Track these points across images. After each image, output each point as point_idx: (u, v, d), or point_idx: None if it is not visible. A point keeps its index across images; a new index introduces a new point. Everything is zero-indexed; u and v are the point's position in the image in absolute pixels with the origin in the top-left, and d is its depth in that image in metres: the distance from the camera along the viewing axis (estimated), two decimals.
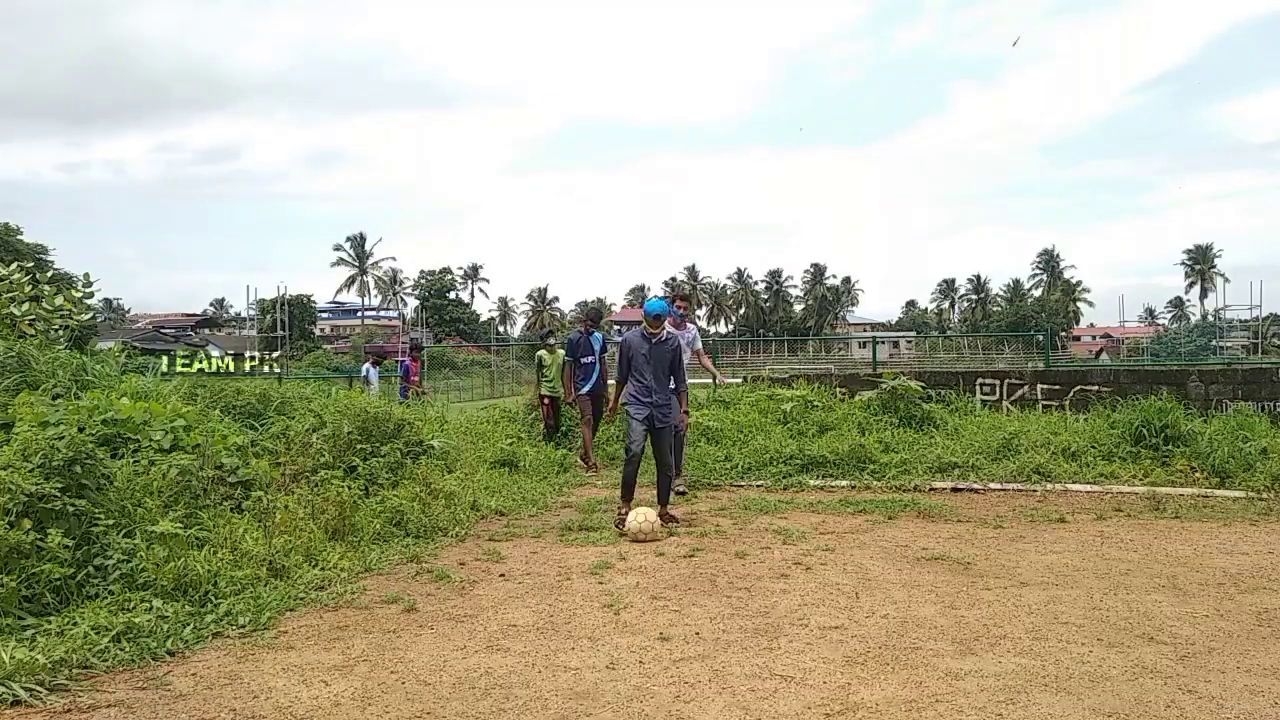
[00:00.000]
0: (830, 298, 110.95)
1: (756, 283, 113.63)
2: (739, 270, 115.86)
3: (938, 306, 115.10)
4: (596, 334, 10.72)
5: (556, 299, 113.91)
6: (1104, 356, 57.58)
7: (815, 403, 11.29)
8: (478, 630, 4.37)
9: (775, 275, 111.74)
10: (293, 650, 4.05)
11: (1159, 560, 5.71)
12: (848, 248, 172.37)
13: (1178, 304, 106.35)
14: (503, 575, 5.47)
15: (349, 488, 6.40)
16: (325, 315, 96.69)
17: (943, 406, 11.26)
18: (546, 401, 11.73)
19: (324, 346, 75.18)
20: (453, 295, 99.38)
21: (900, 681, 3.63)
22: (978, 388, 12.40)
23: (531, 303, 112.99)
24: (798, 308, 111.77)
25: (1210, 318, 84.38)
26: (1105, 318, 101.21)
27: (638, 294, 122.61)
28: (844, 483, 8.76)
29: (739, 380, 14.70)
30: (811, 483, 8.82)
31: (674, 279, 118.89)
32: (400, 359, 19.29)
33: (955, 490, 8.38)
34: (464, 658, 3.97)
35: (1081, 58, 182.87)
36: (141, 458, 5.69)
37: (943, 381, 12.46)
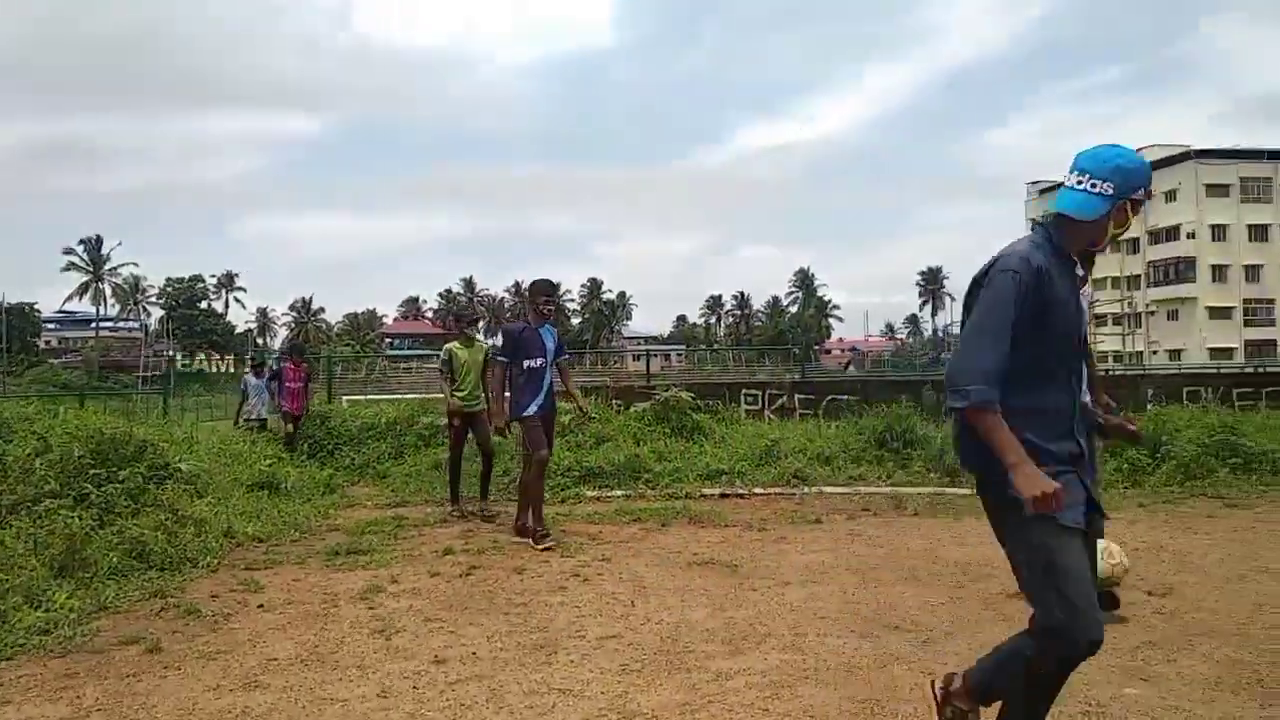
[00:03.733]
0: (606, 312, 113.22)
1: None
2: (517, 283, 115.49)
3: (706, 321, 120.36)
4: (548, 327, 7.12)
5: (322, 310, 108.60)
6: (851, 368, 62.55)
7: (592, 414, 11.44)
8: (233, 667, 4.04)
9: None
10: (9, 705, 3.55)
11: (902, 554, 6.23)
12: (623, 264, 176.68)
13: (913, 320, 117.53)
14: (261, 606, 5.09)
15: (80, 518, 5.74)
16: (52, 326, 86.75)
17: (711, 416, 11.76)
18: (457, 422, 8.12)
19: (50, 361, 67.24)
20: (204, 305, 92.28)
21: (675, 685, 3.72)
22: (742, 398, 13.09)
23: (294, 314, 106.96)
24: (575, 321, 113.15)
25: (940, 333, 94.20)
26: (852, 332, 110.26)
27: (411, 305, 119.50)
28: (620, 492, 8.93)
29: None
30: (589, 493, 8.92)
31: (449, 290, 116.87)
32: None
33: (723, 496, 8.76)
34: (216, 698, 3.65)
35: (842, 90, 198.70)
36: None
37: (711, 392, 13.03)
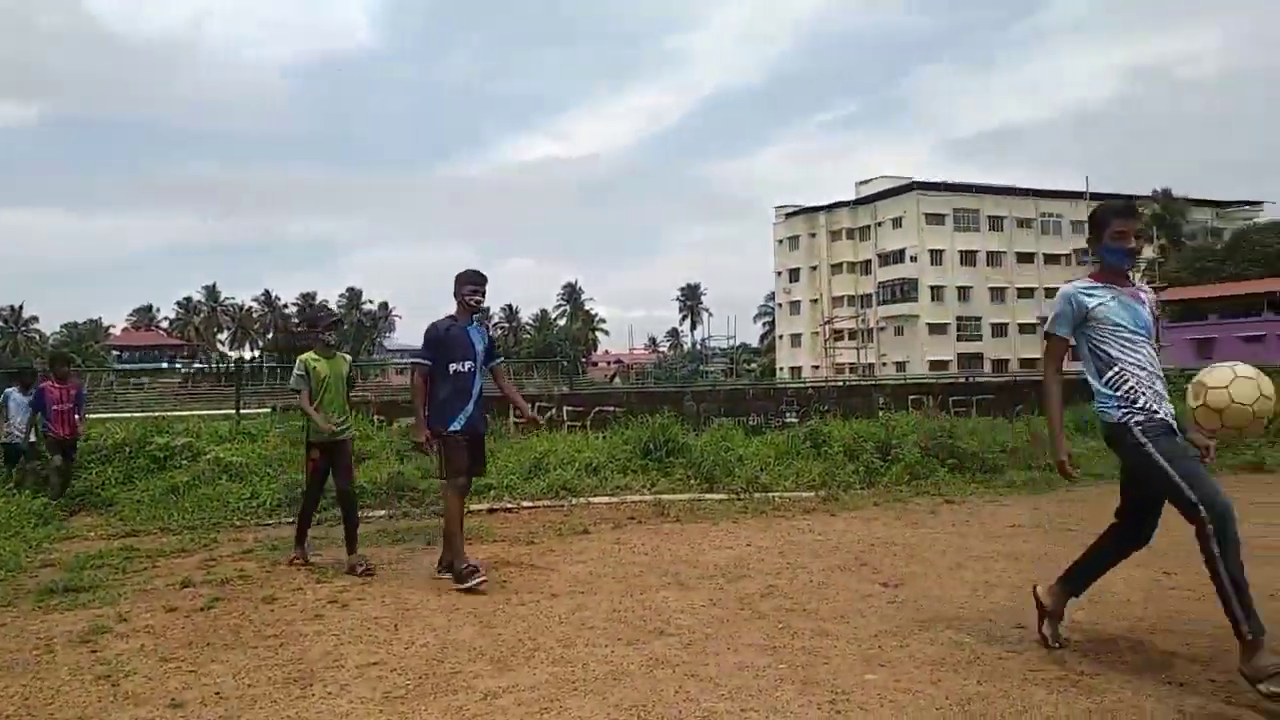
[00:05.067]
0: (367, 323, 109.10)
1: (287, 306, 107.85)
2: (267, 291, 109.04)
3: None
4: (476, 324, 6.19)
5: (35, 319, 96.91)
6: (617, 380, 64.11)
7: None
8: None
9: (308, 298, 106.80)
10: None
11: (665, 560, 6.43)
12: (382, 274, 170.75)
13: (674, 334, 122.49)
14: None
15: None
16: None
17: None
18: (316, 455, 6.53)
19: None
20: None
21: (441, 710, 3.61)
22: (511, 411, 12.97)
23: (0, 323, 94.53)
24: None
25: (698, 346, 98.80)
26: (618, 344, 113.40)
27: (143, 315, 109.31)
28: (382, 512, 8.58)
29: (269, 410, 13.71)
30: None
31: (189, 299, 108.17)
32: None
33: (491, 511, 8.65)
34: None
35: (602, 109, 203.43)
36: None
37: None
